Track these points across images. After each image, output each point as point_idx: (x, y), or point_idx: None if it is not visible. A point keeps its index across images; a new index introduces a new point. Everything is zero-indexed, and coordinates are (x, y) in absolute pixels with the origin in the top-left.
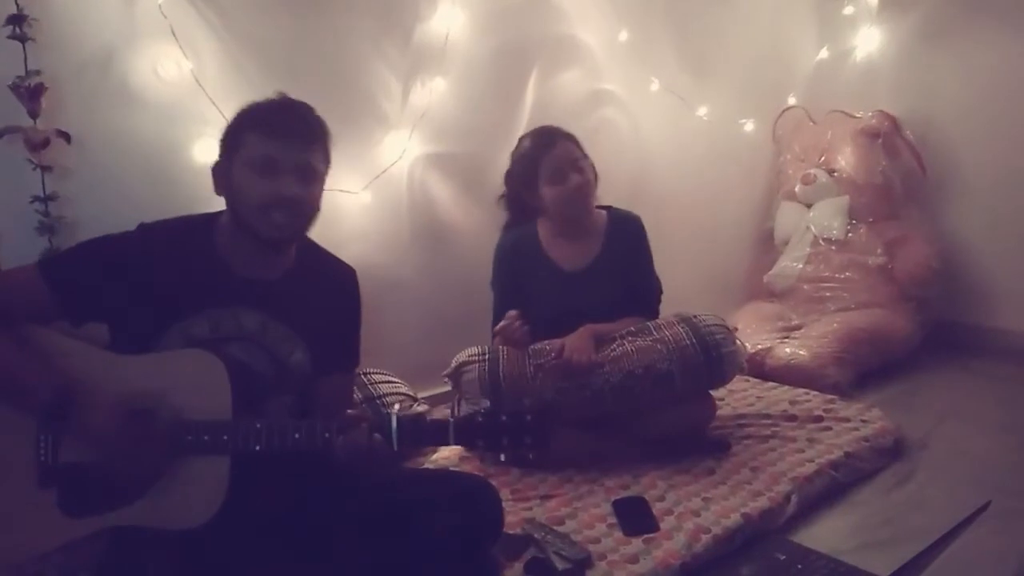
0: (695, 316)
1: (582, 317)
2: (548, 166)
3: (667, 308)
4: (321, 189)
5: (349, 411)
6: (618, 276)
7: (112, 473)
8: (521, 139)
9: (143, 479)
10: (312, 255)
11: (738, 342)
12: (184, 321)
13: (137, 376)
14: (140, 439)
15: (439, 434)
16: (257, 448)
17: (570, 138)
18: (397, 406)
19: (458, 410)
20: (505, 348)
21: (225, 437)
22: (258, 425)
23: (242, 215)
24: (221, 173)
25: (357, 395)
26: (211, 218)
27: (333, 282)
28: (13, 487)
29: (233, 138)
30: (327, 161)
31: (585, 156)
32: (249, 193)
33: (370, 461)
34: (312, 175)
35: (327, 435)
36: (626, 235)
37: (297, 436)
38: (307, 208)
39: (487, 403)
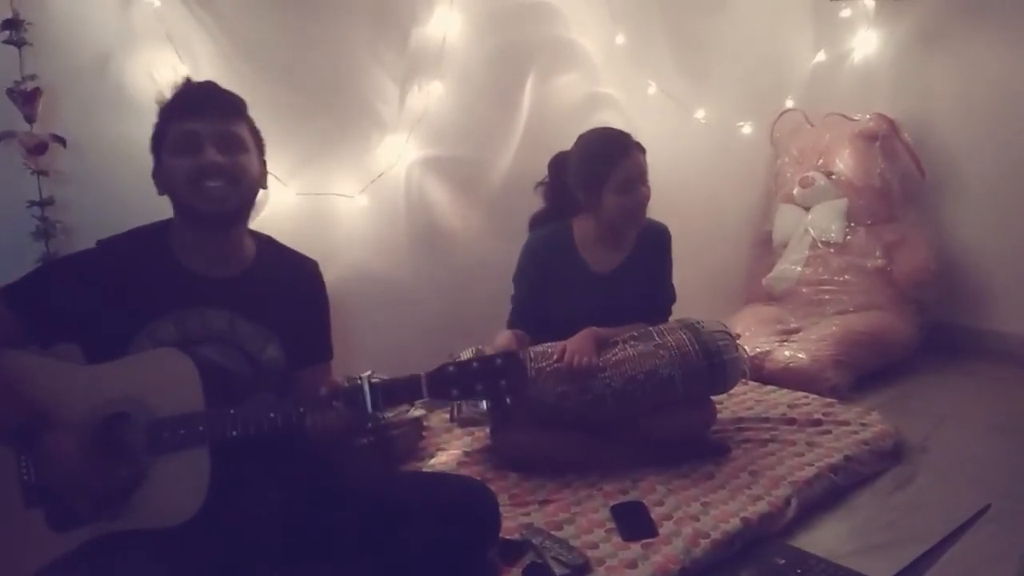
0: (698, 322)
1: (602, 318)
2: (621, 173)
3: None
4: (256, 161)
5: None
6: (641, 282)
7: (91, 486)
8: (588, 135)
9: (124, 486)
10: (271, 250)
11: (741, 349)
12: (150, 326)
13: (107, 383)
14: (98, 475)
15: (412, 389)
16: (234, 433)
17: (642, 150)
18: (369, 372)
19: (457, 411)
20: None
21: (201, 428)
22: (232, 411)
23: (181, 200)
24: (157, 174)
25: None
26: (165, 224)
27: (296, 274)
28: (0, 509)
29: (157, 137)
30: (254, 134)
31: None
32: (178, 174)
33: (338, 430)
34: (236, 143)
35: (301, 410)
36: (654, 243)
37: (272, 415)
38: (239, 175)
39: (485, 404)
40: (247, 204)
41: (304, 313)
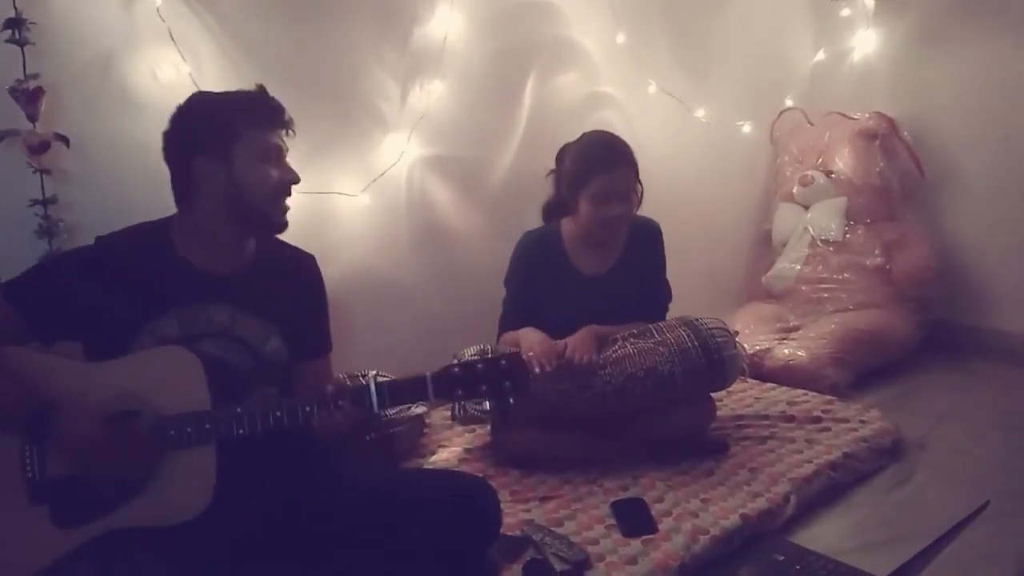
0: (697, 319)
1: (595, 320)
2: (597, 185)
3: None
4: None
5: (328, 386)
6: (634, 282)
7: (99, 480)
8: (587, 136)
9: (132, 482)
10: (271, 245)
11: (739, 346)
12: (153, 322)
13: (113, 381)
14: (122, 444)
15: (417, 389)
16: (241, 432)
17: (631, 164)
18: (374, 372)
19: (460, 410)
20: (508, 348)
21: (208, 426)
22: (239, 410)
23: (248, 206)
24: (209, 171)
25: None
26: (166, 222)
27: (295, 268)
28: (4, 507)
29: (224, 134)
30: None
31: (638, 182)
32: (262, 183)
33: (344, 428)
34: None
35: (308, 408)
36: (645, 243)
37: (279, 414)
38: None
39: (488, 404)
40: None
41: (304, 306)
